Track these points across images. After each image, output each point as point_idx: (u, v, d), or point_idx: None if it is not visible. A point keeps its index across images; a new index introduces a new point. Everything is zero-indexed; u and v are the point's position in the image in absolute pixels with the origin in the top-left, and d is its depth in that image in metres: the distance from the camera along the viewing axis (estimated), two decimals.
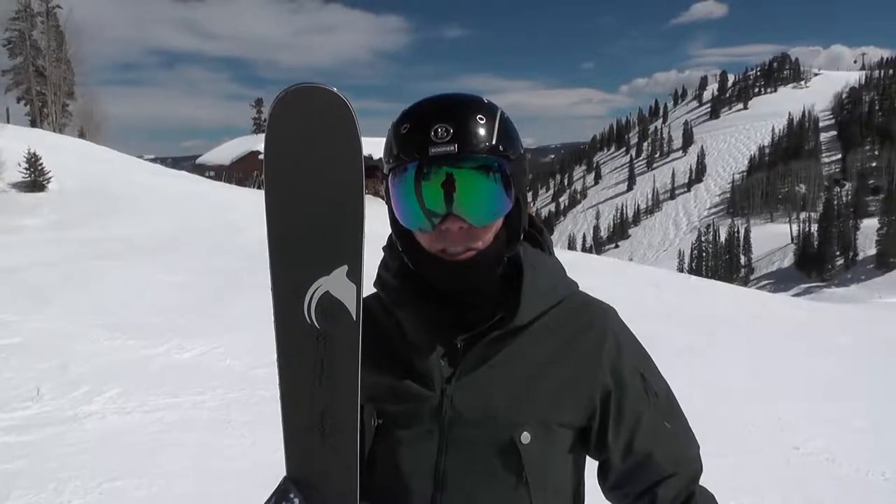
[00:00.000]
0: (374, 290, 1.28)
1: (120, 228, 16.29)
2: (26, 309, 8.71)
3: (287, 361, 1.13)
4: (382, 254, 1.30)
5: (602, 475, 1.25)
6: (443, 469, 1.15)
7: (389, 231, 1.23)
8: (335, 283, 1.10)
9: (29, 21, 41.16)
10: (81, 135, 40.29)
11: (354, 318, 1.11)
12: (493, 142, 1.09)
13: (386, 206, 1.19)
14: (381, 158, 1.17)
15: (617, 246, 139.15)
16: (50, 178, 20.62)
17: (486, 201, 1.10)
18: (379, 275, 1.28)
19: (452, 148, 1.06)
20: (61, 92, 42.89)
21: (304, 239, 1.10)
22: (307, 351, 1.12)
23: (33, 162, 20.28)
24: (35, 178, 20.29)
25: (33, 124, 39.53)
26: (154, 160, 47.33)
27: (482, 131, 1.09)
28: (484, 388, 1.16)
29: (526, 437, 1.13)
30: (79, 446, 4.98)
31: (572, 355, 1.19)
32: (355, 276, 1.10)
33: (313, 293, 1.10)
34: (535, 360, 1.18)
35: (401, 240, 1.20)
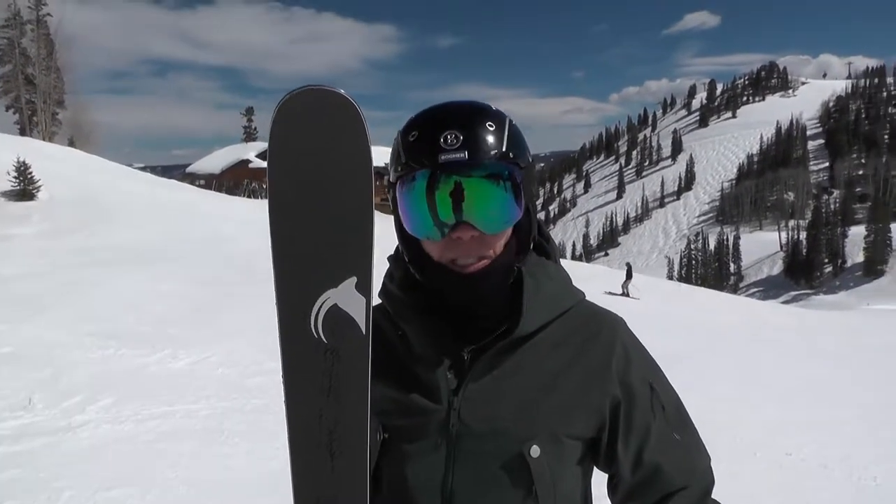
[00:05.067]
0: (379, 300, 1.26)
1: (110, 237, 16.20)
2: (17, 318, 8.65)
3: (293, 378, 1.07)
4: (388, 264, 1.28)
5: (612, 488, 1.23)
6: (451, 484, 1.13)
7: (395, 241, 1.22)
8: (343, 295, 1.04)
9: (19, 29, 40.96)
10: (71, 143, 40.07)
11: (364, 333, 1.05)
12: (504, 149, 1.08)
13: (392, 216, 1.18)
14: (386, 165, 1.15)
15: (606, 254, 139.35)
16: (40, 186, 20.46)
17: (497, 209, 1.08)
18: (384, 285, 1.25)
19: (462, 155, 1.04)
20: (51, 100, 42.67)
21: (311, 249, 1.04)
22: (314, 367, 1.06)
23: (23, 171, 20.13)
24: (25, 187, 20.14)
25: (23, 133, 39.29)
26: (144, 168, 47.26)
27: (492, 138, 1.07)
28: (491, 401, 1.14)
29: (535, 451, 1.11)
30: (73, 456, 4.95)
31: (581, 366, 1.17)
32: (364, 288, 1.04)
33: (320, 306, 1.04)
34: (543, 371, 1.16)
35: (407, 250, 1.18)
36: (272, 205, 1.02)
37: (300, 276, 1.05)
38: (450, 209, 1.07)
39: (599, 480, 1.25)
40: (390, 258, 1.26)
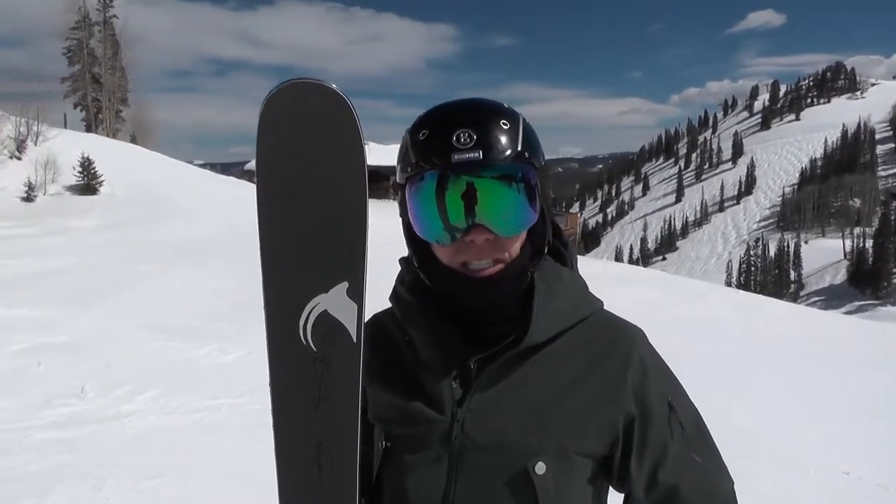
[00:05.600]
0: (389, 304, 1.22)
1: (168, 232, 16.63)
2: (74, 309, 8.93)
3: (281, 387, 1.03)
4: (395, 267, 1.24)
5: None
6: (452, 498, 1.08)
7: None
8: (334, 301, 1.00)
9: (87, 30, 42.60)
10: (133, 140, 41.40)
11: (354, 340, 1.01)
12: (519, 149, 1.03)
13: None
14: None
15: (664, 258, 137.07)
16: (102, 181, 21.19)
17: (512, 211, 1.04)
18: (395, 288, 1.21)
19: (477, 155, 1.00)
20: (115, 98, 44.21)
21: (300, 253, 0.99)
22: (303, 376, 1.02)
23: (87, 166, 20.89)
24: (88, 182, 20.89)
25: (88, 129, 40.84)
26: (203, 165, 48.55)
27: (507, 138, 1.02)
28: (496, 413, 1.08)
29: (541, 468, 1.05)
30: (119, 444, 5.08)
31: (594, 379, 1.10)
32: (356, 293, 1.00)
33: (310, 312, 1.00)
34: (554, 383, 1.10)
35: (416, 253, 1.13)
36: (259, 205, 0.99)
37: (289, 281, 1.01)
38: (461, 212, 1.02)
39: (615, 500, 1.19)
40: (401, 261, 1.22)
